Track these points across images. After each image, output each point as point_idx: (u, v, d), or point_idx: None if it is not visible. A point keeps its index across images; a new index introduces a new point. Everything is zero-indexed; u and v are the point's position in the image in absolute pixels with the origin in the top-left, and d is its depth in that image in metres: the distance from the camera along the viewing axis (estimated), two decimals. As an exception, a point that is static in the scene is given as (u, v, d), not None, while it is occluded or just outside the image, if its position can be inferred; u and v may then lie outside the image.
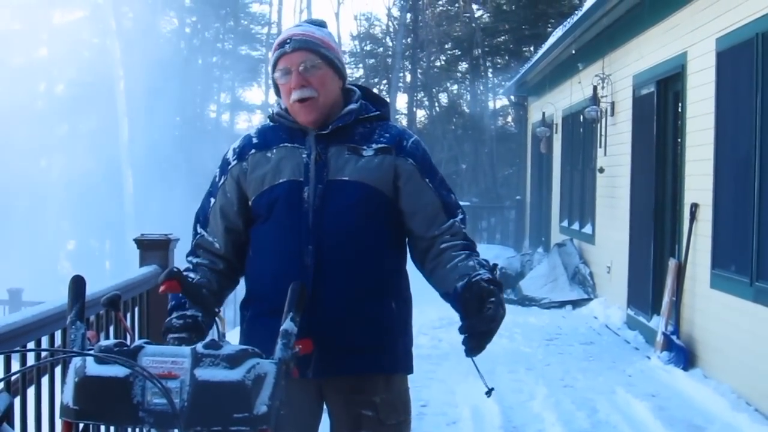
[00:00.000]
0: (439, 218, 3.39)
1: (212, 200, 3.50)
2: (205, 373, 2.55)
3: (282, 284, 3.04)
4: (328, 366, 3.27)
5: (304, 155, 3.36)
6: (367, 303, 3.32)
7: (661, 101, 10.95)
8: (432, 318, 12.48)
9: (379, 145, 3.37)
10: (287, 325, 2.80)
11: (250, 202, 3.43)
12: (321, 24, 3.52)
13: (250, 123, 42.28)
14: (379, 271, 3.36)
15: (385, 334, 3.37)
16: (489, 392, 3.37)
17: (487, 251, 20.25)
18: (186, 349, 2.63)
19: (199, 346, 2.62)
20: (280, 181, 3.36)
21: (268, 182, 3.38)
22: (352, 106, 3.43)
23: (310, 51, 3.36)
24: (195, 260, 3.49)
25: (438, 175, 3.47)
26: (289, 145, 3.40)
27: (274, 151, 3.41)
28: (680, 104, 10.14)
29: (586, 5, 13.39)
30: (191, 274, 3.42)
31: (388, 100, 3.80)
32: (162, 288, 2.94)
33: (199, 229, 3.53)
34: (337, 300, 3.26)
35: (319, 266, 3.27)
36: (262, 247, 3.42)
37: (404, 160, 3.37)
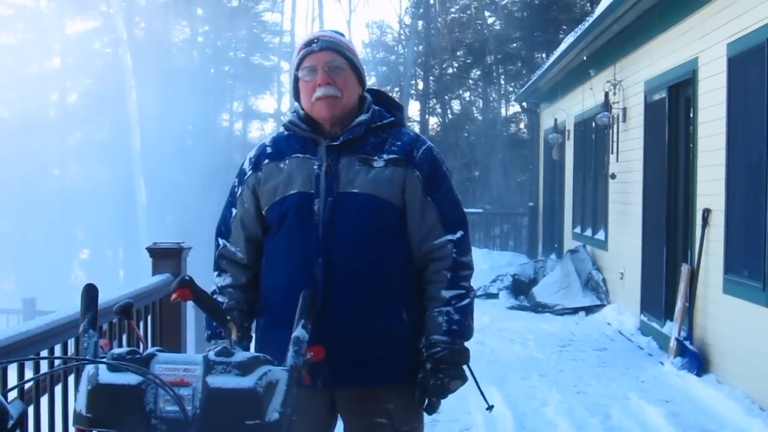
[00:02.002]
0: (434, 232, 3.41)
1: (233, 210, 3.54)
2: (217, 381, 2.56)
3: (292, 296, 3.10)
4: (337, 377, 3.27)
5: (315, 166, 3.39)
6: (376, 314, 3.33)
7: (672, 107, 10.93)
8: (445, 325, 12.49)
9: (391, 156, 3.38)
10: (299, 332, 2.80)
11: (263, 212, 3.46)
12: (341, 34, 3.56)
13: (263, 132, 42.31)
14: (390, 283, 3.36)
15: (396, 345, 3.37)
16: (490, 408, 3.68)
17: (500, 258, 20.33)
18: (198, 357, 2.65)
19: (211, 354, 2.63)
20: (291, 192, 3.39)
21: (280, 193, 3.41)
22: (363, 117, 3.43)
23: (337, 52, 3.42)
24: (220, 281, 3.54)
25: (443, 187, 3.46)
26: (301, 155, 3.43)
27: (287, 161, 3.44)
28: (692, 110, 10.12)
29: (597, 11, 13.39)
30: (219, 298, 3.49)
31: (402, 104, 3.79)
32: (174, 296, 2.95)
33: (220, 240, 3.56)
34: (347, 312, 3.27)
35: (328, 278, 3.29)
36: (274, 258, 3.46)
37: (412, 171, 3.38)
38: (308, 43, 3.45)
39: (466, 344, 3.42)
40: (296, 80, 3.49)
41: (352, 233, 3.30)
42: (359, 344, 3.30)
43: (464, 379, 3.40)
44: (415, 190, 3.38)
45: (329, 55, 3.40)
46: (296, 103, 3.54)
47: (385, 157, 3.38)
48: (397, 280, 3.38)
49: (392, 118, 3.51)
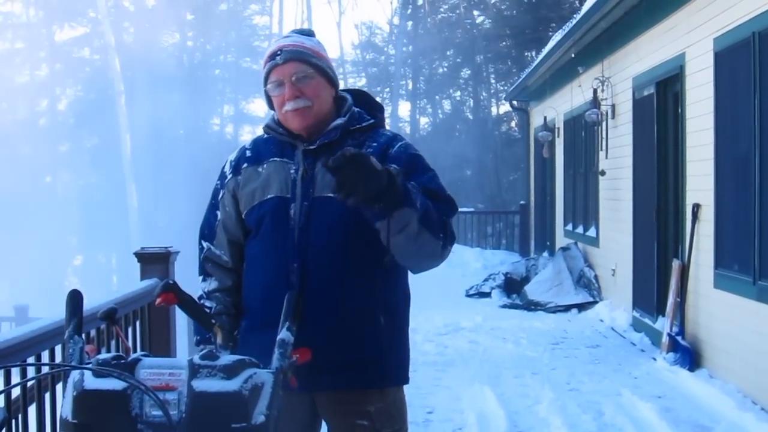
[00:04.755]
0: None
1: (218, 213, 3.52)
2: (202, 384, 2.56)
3: (269, 300, 3.10)
4: (315, 381, 3.23)
5: (292, 171, 3.37)
6: (353, 319, 3.30)
7: (660, 103, 10.95)
8: (437, 325, 12.53)
9: None
10: (284, 334, 2.80)
11: (243, 216, 3.46)
12: (309, 33, 3.51)
13: (254, 135, 42.14)
14: (366, 287, 3.32)
15: (373, 349, 3.33)
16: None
17: (492, 257, 20.36)
18: (183, 361, 2.64)
19: (196, 357, 2.63)
20: (268, 196, 3.38)
21: (258, 197, 3.40)
22: (339, 121, 3.39)
23: (302, 61, 3.35)
24: (206, 285, 3.52)
25: (426, 174, 3.36)
26: (279, 159, 3.41)
27: (265, 165, 3.42)
28: (680, 105, 10.13)
29: (584, 9, 13.40)
30: (207, 303, 3.47)
31: (383, 105, 3.76)
32: (158, 300, 2.95)
33: (204, 244, 3.55)
34: (323, 317, 3.24)
35: (304, 283, 3.26)
36: (252, 263, 3.45)
37: (389, 167, 3.23)
38: (272, 56, 3.39)
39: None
40: (267, 91, 3.45)
41: (327, 238, 3.27)
42: (336, 348, 3.26)
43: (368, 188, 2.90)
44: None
45: (294, 66, 3.34)
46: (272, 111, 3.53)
47: None
48: (373, 285, 3.34)
49: (371, 121, 3.48)
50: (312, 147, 3.36)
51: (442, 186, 3.39)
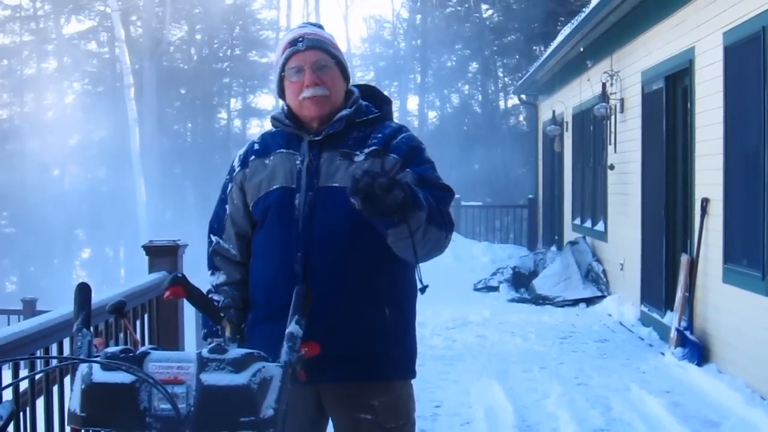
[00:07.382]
0: None
1: (227, 207, 3.53)
2: (211, 378, 2.56)
3: (274, 291, 3.10)
4: (319, 373, 3.17)
5: (298, 161, 3.38)
6: (357, 310, 3.29)
7: (670, 97, 10.92)
8: (445, 319, 12.52)
9: (370, 149, 3.35)
10: (292, 327, 2.79)
11: (250, 208, 3.46)
12: (320, 27, 3.54)
13: (262, 129, 42.16)
14: (371, 278, 3.32)
15: (377, 341, 3.32)
16: (423, 289, 3.25)
17: (500, 251, 20.33)
18: (192, 354, 2.64)
19: (205, 351, 2.63)
20: (274, 187, 3.39)
21: (264, 188, 3.41)
22: (344, 111, 3.41)
23: (323, 50, 3.39)
24: (214, 279, 3.53)
25: (425, 165, 3.36)
26: (285, 151, 3.43)
27: (271, 157, 3.44)
28: (689, 99, 10.11)
29: (593, 2, 13.37)
30: (215, 296, 3.48)
31: (391, 99, 3.76)
32: (167, 294, 2.94)
33: (213, 237, 3.56)
34: (327, 307, 3.21)
35: (308, 273, 3.26)
36: (258, 254, 3.45)
37: (389, 156, 3.34)
38: (293, 42, 3.41)
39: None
40: (281, 78, 3.45)
41: (331, 228, 3.27)
42: (340, 340, 3.25)
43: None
44: (394, 168, 3.30)
45: (315, 54, 3.37)
46: (281, 101, 3.53)
47: (366, 150, 3.35)
48: (378, 275, 3.33)
49: (377, 113, 3.49)
50: (317, 138, 3.38)
51: (439, 177, 3.40)
